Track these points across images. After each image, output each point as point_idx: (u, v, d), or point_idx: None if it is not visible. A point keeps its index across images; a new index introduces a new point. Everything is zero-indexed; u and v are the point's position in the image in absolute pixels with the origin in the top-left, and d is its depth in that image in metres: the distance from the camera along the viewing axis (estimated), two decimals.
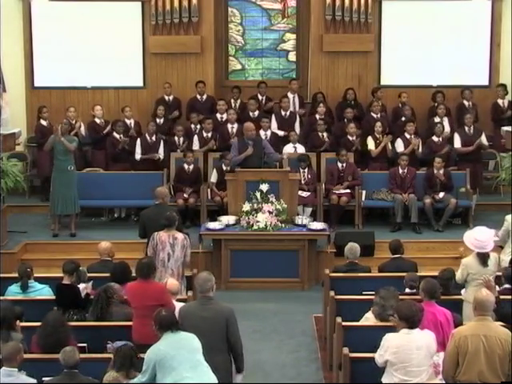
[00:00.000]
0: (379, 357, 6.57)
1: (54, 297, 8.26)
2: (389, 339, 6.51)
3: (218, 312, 6.80)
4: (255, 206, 11.26)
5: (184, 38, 14.36)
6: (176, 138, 13.43)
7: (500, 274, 8.46)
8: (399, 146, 13.18)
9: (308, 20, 14.67)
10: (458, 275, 8.30)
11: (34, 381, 6.38)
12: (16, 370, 6.28)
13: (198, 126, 13.65)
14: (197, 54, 14.45)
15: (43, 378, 6.52)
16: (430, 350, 6.47)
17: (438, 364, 6.71)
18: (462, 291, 8.43)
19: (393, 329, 6.72)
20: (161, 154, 13.21)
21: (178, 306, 7.93)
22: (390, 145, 13.18)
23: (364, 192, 12.66)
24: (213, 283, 6.91)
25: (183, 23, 14.31)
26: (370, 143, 13.24)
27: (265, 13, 15.18)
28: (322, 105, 13.80)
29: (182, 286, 9.13)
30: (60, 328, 6.92)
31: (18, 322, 7.16)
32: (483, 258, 8.18)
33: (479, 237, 8.22)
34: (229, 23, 15.16)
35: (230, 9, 15.13)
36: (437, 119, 13.61)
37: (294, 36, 15.20)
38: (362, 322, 7.78)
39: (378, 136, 13.21)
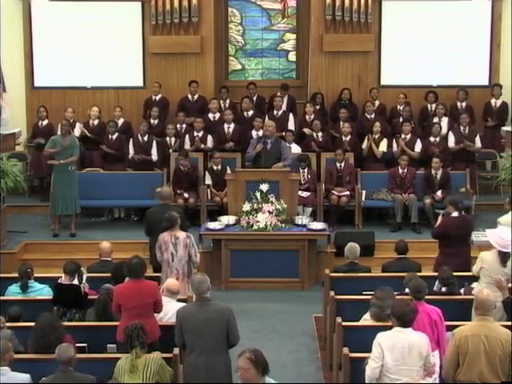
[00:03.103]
0: (372, 369, 6.40)
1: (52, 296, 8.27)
2: (382, 339, 6.47)
3: (218, 313, 6.79)
4: (255, 206, 11.26)
5: (184, 38, 14.36)
6: (168, 138, 13.43)
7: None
8: (395, 146, 13.19)
9: (308, 20, 14.67)
10: (474, 267, 8.34)
11: (27, 376, 6.39)
12: (7, 368, 6.29)
13: (184, 126, 13.64)
14: (197, 53, 14.44)
15: (42, 378, 6.52)
16: (420, 350, 6.42)
17: (433, 364, 6.71)
18: (474, 284, 8.44)
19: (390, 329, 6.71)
20: (154, 154, 13.23)
21: (177, 306, 7.97)
22: (381, 146, 13.14)
23: (364, 192, 12.67)
24: (209, 284, 6.89)
25: (183, 23, 14.31)
26: (365, 143, 13.26)
27: (265, 13, 15.18)
28: (308, 105, 13.78)
29: (190, 285, 9.12)
30: (50, 330, 6.93)
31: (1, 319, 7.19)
32: (504, 258, 8.18)
33: (503, 235, 8.22)
34: (229, 23, 15.16)
35: (230, 9, 15.13)
36: (435, 119, 13.62)
37: (294, 36, 15.20)
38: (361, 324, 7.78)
39: (376, 136, 13.20)
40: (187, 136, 13.42)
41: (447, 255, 9.52)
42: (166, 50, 14.38)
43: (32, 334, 7.05)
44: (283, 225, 11.22)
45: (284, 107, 14.02)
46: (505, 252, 8.18)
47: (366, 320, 7.70)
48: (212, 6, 14.39)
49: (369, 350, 6.80)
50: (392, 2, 14.52)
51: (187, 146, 13.34)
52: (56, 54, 14.43)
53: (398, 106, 14.08)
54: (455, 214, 9.68)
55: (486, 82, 14.62)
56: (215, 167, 12.75)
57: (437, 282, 8.41)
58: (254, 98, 14.30)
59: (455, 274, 8.54)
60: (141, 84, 14.64)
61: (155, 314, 7.70)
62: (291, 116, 13.85)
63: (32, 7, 14.37)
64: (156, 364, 6.62)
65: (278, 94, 14.10)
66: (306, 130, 13.53)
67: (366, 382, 6.52)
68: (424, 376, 6.56)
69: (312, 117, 13.65)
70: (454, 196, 10.67)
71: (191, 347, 6.79)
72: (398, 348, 6.39)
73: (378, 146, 13.17)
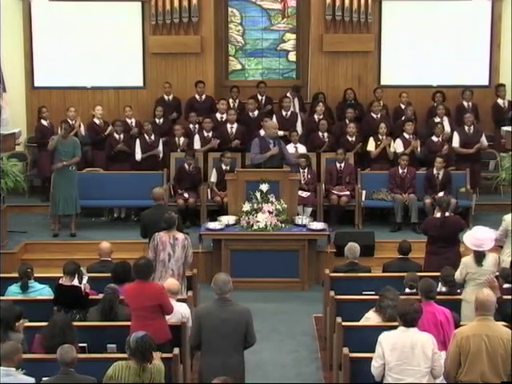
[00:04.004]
0: (375, 368, 6.47)
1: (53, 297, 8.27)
2: (383, 338, 6.49)
3: (238, 314, 6.79)
4: (255, 205, 11.26)
5: (184, 38, 14.36)
6: (176, 139, 13.42)
7: (497, 274, 8.47)
8: (399, 146, 13.17)
9: (308, 20, 14.67)
10: (457, 274, 8.35)
11: (32, 379, 6.38)
12: (14, 369, 6.28)
13: (197, 126, 13.65)
14: (197, 53, 14.45)
15: (43, 378, 6.52)
16: (424, 350, 6.42)
17: (442, 367, 6.69)
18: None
19: (393, 328, 6.71)
20: (160, 152, 13.23)
21: (178, 305, 7.97)
22: (392, 147, 13.14)
23: (364, 192, 12.67)
24: (231, 285, 6.86)
25: (183, 23, 14.31)
26: (371, 144, 13.24)
27: (265, 13, 15.18)
28: (321, 104, 13.79)
29: (183, 286, 9.13)
30: (67, 329, 6.92)
31: (18, 322, 7.16)
32: (478, 257, 8.22)
33: (477, 235, 8.28)
34: (229, 23, 15.16)
35: (230, 9, 15.13)
36: (437, 119, 13.62)
37: (294, 36, 15.20)
38: (363, 322, 7.77)
39: (381, 137, 13.18)
40: (197, 136, 13.41)
41: (429, 253, 9.80)
42: (165, 50, 14.38)
43: (47, 331, 7.02)
44: (283, 225, 11.22)
45: (296, 109, 14.02)
46: (479, 252, 8.22)
47: (369, 318, 7.69)
48: (212, 6, 14.39)
49: (369, 350, 6.82)
50: (392, 2, 14.52)
51: (197, 146, 13.33)
52: (56, 54, 14.43)
53: (402, 106, 14.08)
54: (438, 214, 9.73)
55: (486, 82, 14.63)
56: (224, 167, 12.72)
57: (440, 283, 8.41)
58: (263, 98, 14.29)
59: (435, 273, 8.58)
60: (141, 84, 14.64)
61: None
62: (299, 116, 13.85)
63: (32, 7, 14.37)
64: (159, 375, 6.54)
65: (288, 94, 14.07)
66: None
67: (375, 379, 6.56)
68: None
69: (321, 117, 13.62)
70: (442, 196, 10.73)
71: (208, 346, 6.76)
72: (400, 347, 6.40)
73: (389, 147, 13.15)
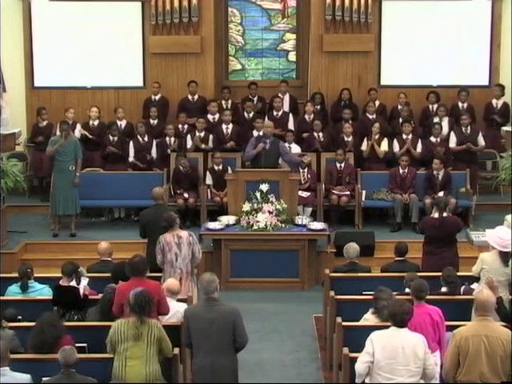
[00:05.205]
0: (362, 363, 6.43)
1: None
2: (375, 336, 6.49)
3: (225, 314, 6.77)
4: (255, 206, 11.27)
5: (184, 38, 14.36)
6: (167, 138, 13.41)
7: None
8: (395, 146, 13.18)
9: (308, 20, 14.67)
10: (474, 267, 8.36)
11: (28, 376, 6.39)
12: (8, 368, 6.30)
13: (186, 126, 13.64)
14: (197, 53, 14.44)
15: (43, 378, 6.52)
16: (415, 350, 6.41)
17: (434, 367, 6.68)
18: (474, 285, 8.45)
19: None
20: (154, 153, 13.22)
21: (178, 305, 7.97)
22: (382, 146, 13.15)
23: (364, 192, 12.67)
24: (217, 284, 6.87)
25: (183, 23, 14.31)
26: (364, 144, 13.26)
27: (265, 13, 15.18)
28: (309, 104, 13.79)
29: (193, 283, 9.11)
30: (47, 328, 6.93)
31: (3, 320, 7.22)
32: (505, 258, 8.19)
33: (503, 235, 8.24)
34: (229, 23, 15.16)
35: (230, 9, 15.13)
36: (436, 119, 13.61)
37: (294, 36, 15.20)
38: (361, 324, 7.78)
39: (376, 137, 13.19)
40: (189, 136, 13.42)
41: (426, 253, 9.81)
42: (165, 50, 14.38)
43: (32, 331, 7.06)
44: (283, 225, 11.22)
45: (286, 107, 14.01)
46: (506, 252, 8.19)
47: (367, 320, 7.70)
48: (212, 6, 14.39)
49: None
50: (392, 2, 14.52)
51: (189, 146, 13.34)
52: (56, 54, 14.42)
53: (399, 106, 14.08)
54: (436, 214, 9.74)
55: (486, 82, 14.62)
56: (216, 167, 12.77)
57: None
58: (255, 98, 14.30)
59: (435, 273, 8.59)
60: (141, 84, 14.64)
61: (163, 317, 7.66)
62: (291, 116, 13.85)
63: (32, 7, 14.36)
64: (158, 329, 6.71)
65: (279, 94, 14.08)
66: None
67: (357, 378, 6.54)
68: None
69: (312, 116, 13.66)
70: (440, 196, 10.74)
71: (197, 347, 6.77)
72: (391, 347, 6.40)
73: (379, 146, 13.16)
